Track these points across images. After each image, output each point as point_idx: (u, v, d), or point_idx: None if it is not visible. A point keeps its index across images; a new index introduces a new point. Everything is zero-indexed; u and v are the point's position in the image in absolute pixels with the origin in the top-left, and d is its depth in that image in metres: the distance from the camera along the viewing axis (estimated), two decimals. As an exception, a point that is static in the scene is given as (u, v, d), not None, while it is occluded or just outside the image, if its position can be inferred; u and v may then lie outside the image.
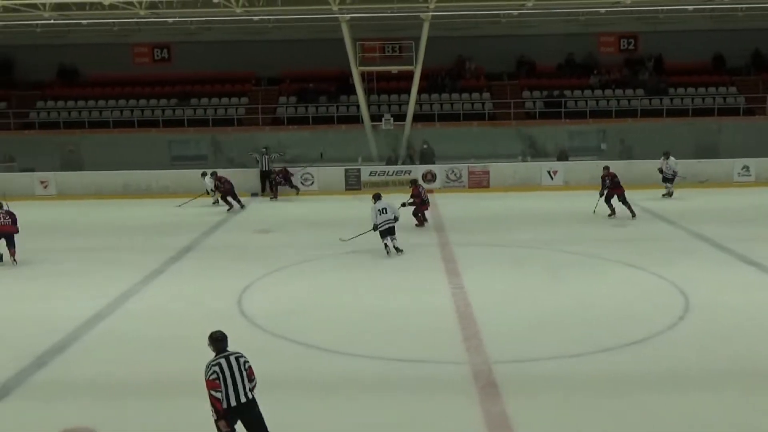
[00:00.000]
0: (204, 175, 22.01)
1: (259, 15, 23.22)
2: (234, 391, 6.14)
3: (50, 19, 22.30)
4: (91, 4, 20.94)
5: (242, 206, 21.11)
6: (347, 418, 7.66)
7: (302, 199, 22.98)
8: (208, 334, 6.48)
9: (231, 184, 21.04)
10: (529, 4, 21.62)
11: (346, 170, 24.50)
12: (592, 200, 18.42)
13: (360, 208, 20.93)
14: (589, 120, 26.66)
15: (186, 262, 14.71)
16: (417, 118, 25.62)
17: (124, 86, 28.33)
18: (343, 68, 25.08)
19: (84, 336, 10.36)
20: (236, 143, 26.08)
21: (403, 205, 16.89)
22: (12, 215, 14.41)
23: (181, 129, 26.68)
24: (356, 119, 26.15)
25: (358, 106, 25.54)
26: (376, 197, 15.02)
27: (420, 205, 17.60)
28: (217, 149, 26.52)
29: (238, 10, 21.17)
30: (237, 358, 6.27)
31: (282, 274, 13.71)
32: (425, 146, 25.38)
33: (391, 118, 25.77)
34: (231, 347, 6.45)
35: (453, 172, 24.39)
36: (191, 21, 24.22)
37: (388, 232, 14.59)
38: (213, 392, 6.10)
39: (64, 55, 28.32)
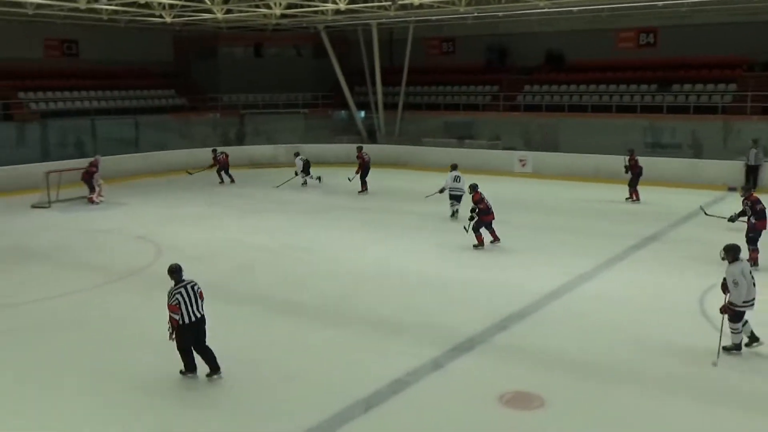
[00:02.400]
0: (297, 155, 23.14)
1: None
2: (192, 311, 8.00)
3: (544, 8, 23.60)
4: (582, -10, 21.53)
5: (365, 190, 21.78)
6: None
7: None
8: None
9: (367, 165, 21.84)
10: None
11: None
12: None
13: None
14: None
15: (647, 252, 14.36)
16: None
17: (604, 71, 28.60)
18: None
19: (544, 308, 10.94)
20: (717, 133, 24.27)
21: (471, 218, 14.51)
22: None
23: (659, 116, 25.92)
24: None
25: None
26: (454, 167, 17.17)
27: (485, 215, 14.48)
28: (694, 139, 25.07)
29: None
30: (192, 286, 8.09)
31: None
32: None
33: None
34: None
35: None
36: (683, 3, 23.16)
37: (457, 199, 17.02)
38: (173, 314, 7.95)
39: (552, 42, 29.70)
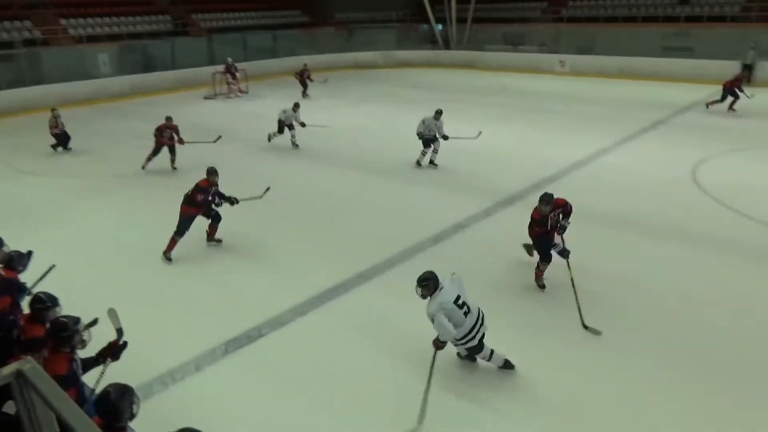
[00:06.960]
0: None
1: None
2: None
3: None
4: None
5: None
6: None
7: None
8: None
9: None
10: None
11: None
12: None
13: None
14: None
15: (654, 133, 13.56)
16: None
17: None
18: None
19: (569, 174, 10.66)
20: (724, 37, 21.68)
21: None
22: None
23: (676, 24, 23.39)
24: None
25: None
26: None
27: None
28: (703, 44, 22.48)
29: None
30: None
31: (747, 154, 11.64)
32: None
33: None
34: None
35: None
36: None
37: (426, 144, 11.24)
38: None
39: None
